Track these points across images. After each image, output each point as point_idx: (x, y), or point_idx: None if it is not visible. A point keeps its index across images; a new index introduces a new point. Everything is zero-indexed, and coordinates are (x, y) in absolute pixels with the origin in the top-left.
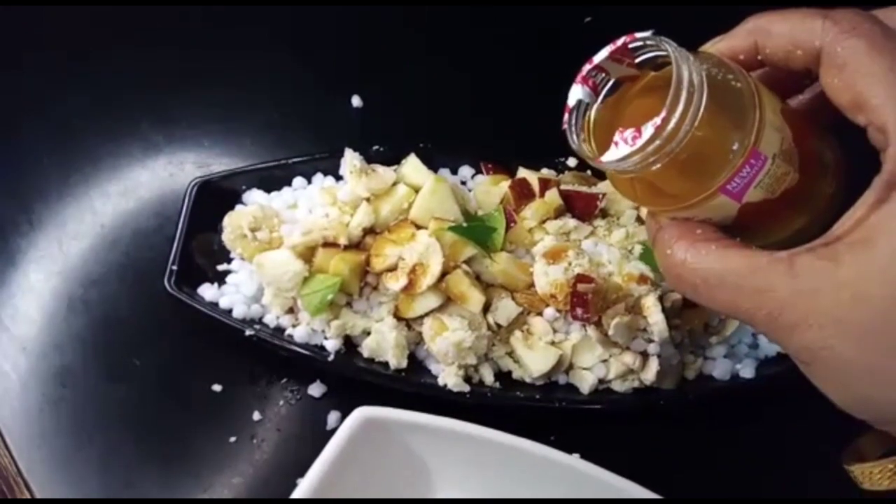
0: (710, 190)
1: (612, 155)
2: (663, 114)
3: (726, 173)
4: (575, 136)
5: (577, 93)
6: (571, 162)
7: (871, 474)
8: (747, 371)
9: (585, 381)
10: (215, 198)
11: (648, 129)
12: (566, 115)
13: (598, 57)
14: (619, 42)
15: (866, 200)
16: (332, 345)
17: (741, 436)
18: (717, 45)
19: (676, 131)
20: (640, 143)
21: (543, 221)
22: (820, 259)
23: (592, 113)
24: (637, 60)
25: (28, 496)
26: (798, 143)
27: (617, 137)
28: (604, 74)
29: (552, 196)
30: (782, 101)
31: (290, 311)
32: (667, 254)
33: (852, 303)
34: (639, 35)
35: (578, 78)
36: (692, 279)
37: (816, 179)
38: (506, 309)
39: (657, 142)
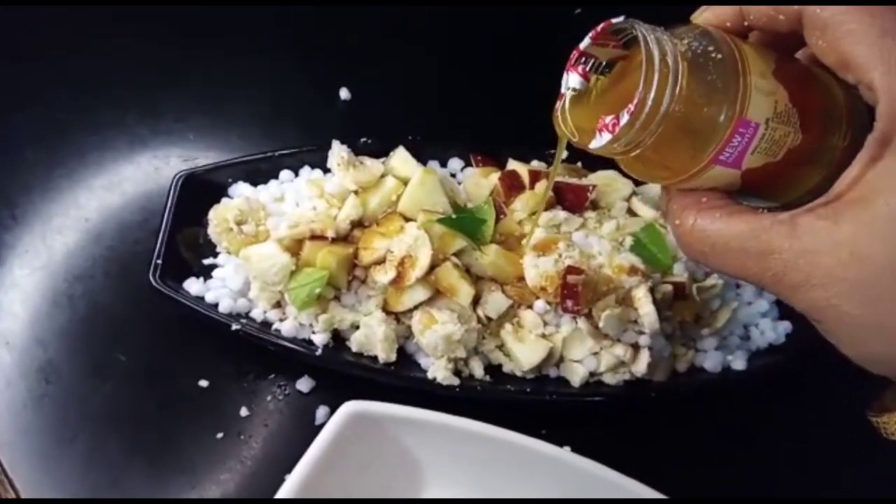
0: (702, 163)
1: (596, 143)
2: (636, 99)
3: (715, 145)
4: (562, 124)
5: (567, 81)
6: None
7: None
8: (739, 363)
9: (576, 374)
10: (201, 191)
11: (625, 116)
12: (557, 103)
13: (583, 44)
14: (598, 28)
15: (861, 158)
16: (320, 339)
17: (732, 428)
18: (704, 15)
19: (653, 114)
20: (618, 129)
21: (533, 213)
22: (820, 219)
23: (593, 93)
24: (622, 42)
25: (12, 493)
26: (797, 103)
27: (599, 124)
28: (593, 59)
29: (542, 188)
30: (786, 57)
31: (278, 305)
32: (676, 223)
33: (851, 261)
34: (614, 21)
35: (568, 66)
36: (701, 247)
37: (824, 135)
38: (496, 302)
39: (636, 126)
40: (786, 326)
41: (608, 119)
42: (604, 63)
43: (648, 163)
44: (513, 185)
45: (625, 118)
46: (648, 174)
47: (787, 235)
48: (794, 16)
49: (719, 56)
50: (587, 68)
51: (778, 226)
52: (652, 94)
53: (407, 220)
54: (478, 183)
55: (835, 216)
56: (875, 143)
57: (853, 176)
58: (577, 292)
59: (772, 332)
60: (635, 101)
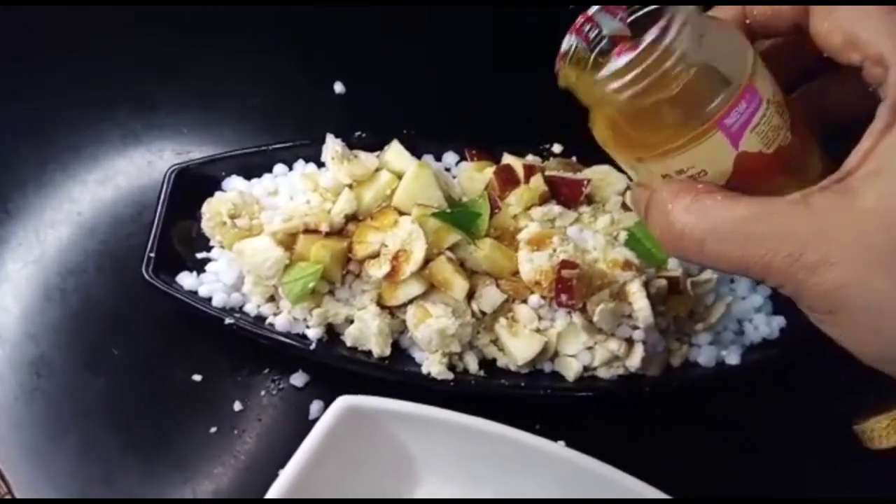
0: (709, 120)
1: (612, 66)
2: (662, 22)
3: (724, 102)
4: (564, 72)
5: (569, 40)
6: (557, 148)
7: (882, 429)
8: (732, 358)
9: (570, 369)
10: (194, 185)
11: (653, 32)
12: (558, 60)
13: (591, 9)
14: None
15: (874, 129)
16: (314, 333)
17: (726, 422)
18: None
19: (677, 39)
20: (642, 46)
21: (528, 208)
22: (836, 194)
23: (589, 64)
24: (630, 19)
25: (3, 487)
26: (789, 105)
27: (618, 49)
28: (598, 31)
29: (537, 182)
30: None
31: (271, 299)
32: (668, 210)
33: (880, 230)
34: None
35: (571, 29)
36: (699, 234)
37: (809, 149)
38: (490, 296)
39: (662, 45)
40: (780, 321)
41: (625, 46)
42: (605, 39)
43: (644, 127)
44: (507, 180)
45: (653, 34)
46: (639, 144)
47: (801, 213)
48: (800, 6)
49: (733, 31)
50: (590, 37)
51: (790, 205)
52: (679, 19)
53: (401, 214)
54: (472, 177)
55: (852, 191)
56: (889, 111)
57: (866, 147)
58: (571, 287)
59: (766, 326)
60: (663, 23)
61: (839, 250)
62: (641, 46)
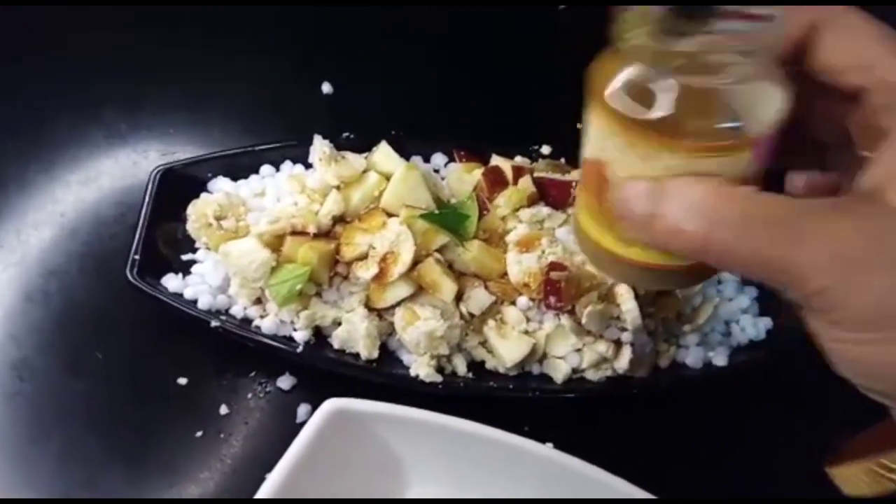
0: (761, 132)
1: (728, 25)
2: (779, 16)
3: (772, 121)
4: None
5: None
6: (545, 150)
7: (853, 476)
8: (720, 359)
9: (559, 371)
10: (180, 186)
11: (773, 16)
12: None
13: None
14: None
15: (890, 147)
16: (301, 336)
17: (714, 424)
18: None
19: (779, 38)
20: (766, 23)
21: (517, 209)
22: (870, 204)
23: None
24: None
25: None
26: None
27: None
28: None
29: (525, 184)
30: None
31: (258, 301)
32: (696, 187)
33: None
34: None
35: None
36: (738, 214)
37: None
38: (478, 298)
39: (777, 32)
40: (766, 323)
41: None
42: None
43: (699, 115)
44: (496, 181)
45: (775, 15)
46: (687, 133)
47: (841, 214)
48: (803, 21)
49: None
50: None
51: (824, 206)
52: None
53: (389, 215)
54: (461, 178)
55: (887, 200)
56: None
57: (887, 162)
58: (559, 288)
59: (752, 328)
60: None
61: (886, 254)
62: (768, 22)
